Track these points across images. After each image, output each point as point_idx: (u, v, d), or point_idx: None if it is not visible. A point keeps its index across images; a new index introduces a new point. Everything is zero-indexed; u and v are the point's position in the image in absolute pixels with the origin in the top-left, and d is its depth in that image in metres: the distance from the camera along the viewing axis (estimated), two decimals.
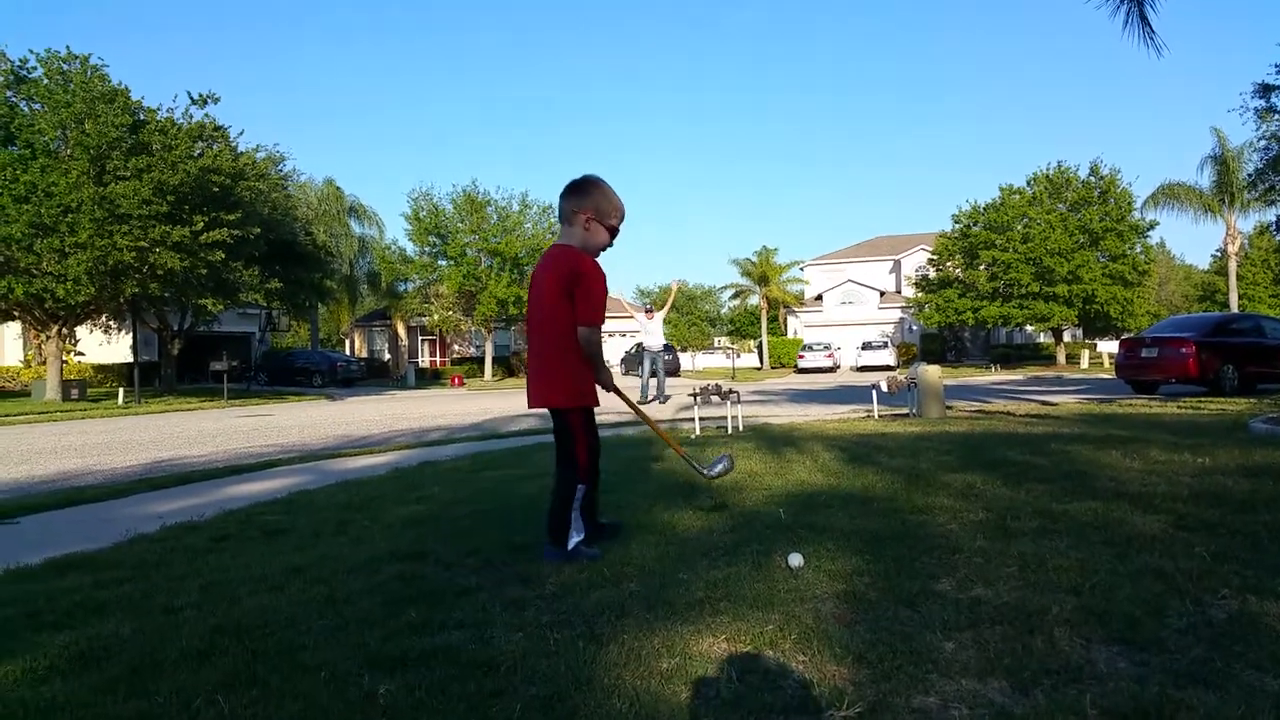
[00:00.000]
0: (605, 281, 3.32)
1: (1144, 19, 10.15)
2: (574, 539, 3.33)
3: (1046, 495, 4.18)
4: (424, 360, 49.39)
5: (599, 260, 3.38)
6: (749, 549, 3.29)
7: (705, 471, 3.95)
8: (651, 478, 5.51)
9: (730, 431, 8.95)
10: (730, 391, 9.55)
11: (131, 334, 28.23)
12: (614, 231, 3.36)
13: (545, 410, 3.48)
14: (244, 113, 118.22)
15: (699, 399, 9.59)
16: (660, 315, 15.09)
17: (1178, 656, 2.05)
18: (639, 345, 18.94)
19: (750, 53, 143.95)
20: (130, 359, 27.71)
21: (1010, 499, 4.13)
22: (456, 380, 37.30)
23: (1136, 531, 3.33)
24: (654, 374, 15.01)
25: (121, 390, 23.73)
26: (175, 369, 29.62)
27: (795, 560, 2.99)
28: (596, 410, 3.53)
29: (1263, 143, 23.84)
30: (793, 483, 4.97)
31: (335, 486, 5.94)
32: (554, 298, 3.28)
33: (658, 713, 1.85)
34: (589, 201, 3.32)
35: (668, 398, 15.03)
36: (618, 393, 3.62)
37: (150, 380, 29.15)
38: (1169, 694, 1.82)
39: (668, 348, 15.00)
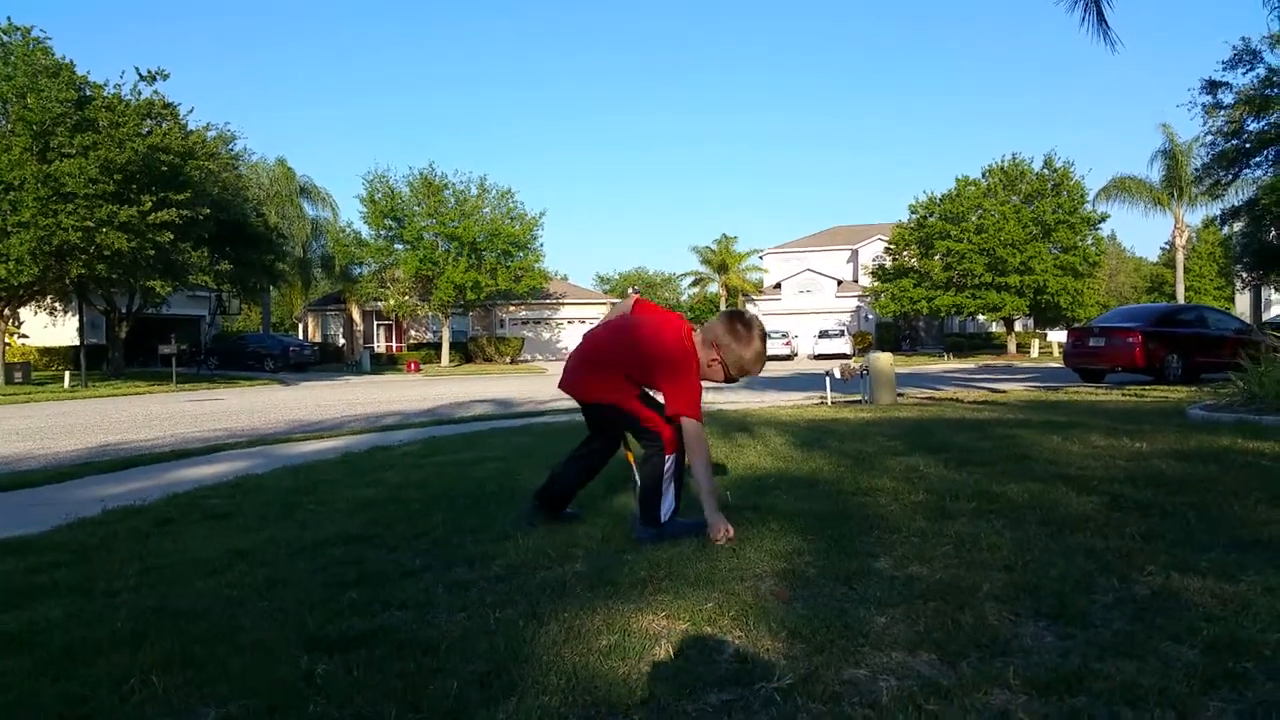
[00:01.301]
0: (696, 365, 3.30)
1: (1100, 15, 10.36)
2: (666, 510, 3.25)
3: (986, 478, 4.27)
4: (379, 345, 48.72)
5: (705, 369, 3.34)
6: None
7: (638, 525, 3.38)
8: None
9: None
10: None
11: (78, 316, 27.56)
12: (727, 373, 3.33)
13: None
14: (193, 90, 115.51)
15: None
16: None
17: (1102, 630, 2.11)
18: None
19: (715, 41, 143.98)
20: (77, 341, 27.00)
21: (951, 481, 4.22)
22: (412, 366, 36.90)
23: (1071, 512, 3.43)
24: None
25: (68, 373, 23.14)
26: (123, 352, 28.87)
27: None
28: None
29: (1209, 138, 24.51)
30: (743, 466, 5.03)
31: (284, 471, 5.87)
32: (636, 344, 3.35)
33: (594, 687, 1.87)
34: (728, 339, 3.28)
35: None
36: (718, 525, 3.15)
37: (97, 363, 28.41)
38: (1090, 665, 1.88)
39: None
